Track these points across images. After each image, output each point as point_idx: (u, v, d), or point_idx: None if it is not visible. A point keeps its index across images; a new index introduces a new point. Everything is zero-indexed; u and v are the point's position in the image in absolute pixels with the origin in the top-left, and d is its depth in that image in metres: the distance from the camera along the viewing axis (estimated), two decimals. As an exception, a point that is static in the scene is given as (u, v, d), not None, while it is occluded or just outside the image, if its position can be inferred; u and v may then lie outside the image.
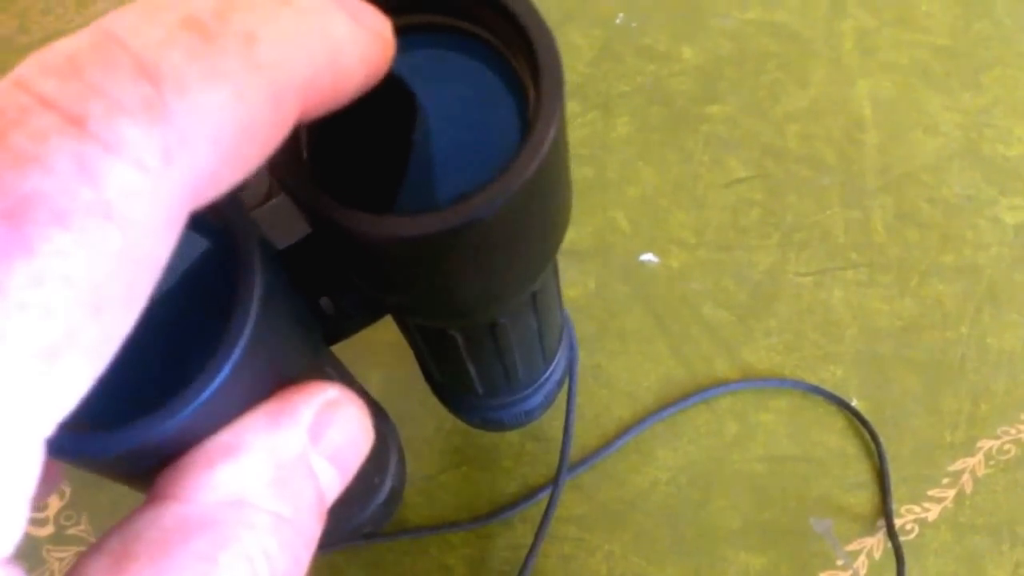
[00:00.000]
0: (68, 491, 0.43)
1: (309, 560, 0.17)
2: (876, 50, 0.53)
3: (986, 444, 0.44)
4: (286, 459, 0.17)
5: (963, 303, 0.47)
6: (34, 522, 0.43)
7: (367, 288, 0.20)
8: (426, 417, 0.44)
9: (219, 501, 0.15)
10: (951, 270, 0.47)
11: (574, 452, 0.43)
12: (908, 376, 0.45)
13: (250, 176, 0.13)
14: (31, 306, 0.11)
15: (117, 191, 0.11)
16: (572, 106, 0.51)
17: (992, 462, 0.44)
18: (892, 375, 0.45)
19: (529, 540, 0.39)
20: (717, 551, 0.42)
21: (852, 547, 0.42)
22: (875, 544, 0.42)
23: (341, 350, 0.25)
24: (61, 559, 0.42)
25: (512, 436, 0.44)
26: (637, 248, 0.48)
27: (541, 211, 0.18)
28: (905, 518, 0.43)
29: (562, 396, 0.36)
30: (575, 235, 0.48)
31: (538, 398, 0.33)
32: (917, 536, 0.43)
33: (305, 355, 0.20)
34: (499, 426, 0.35)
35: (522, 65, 0.17)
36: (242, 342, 0.15)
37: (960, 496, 0.43)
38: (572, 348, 0.34)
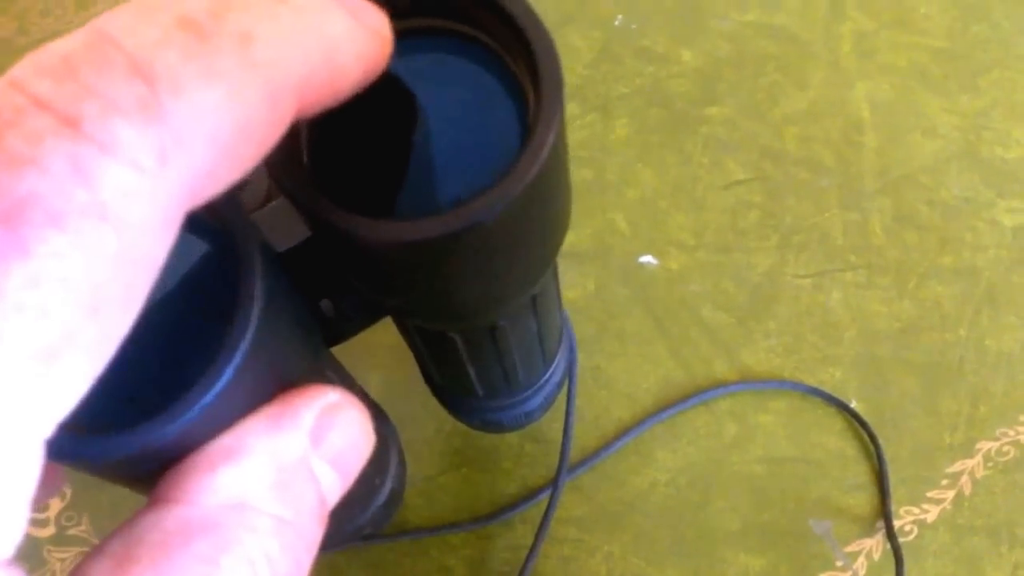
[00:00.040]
0: (69, 492, 0.43)
1: (311, 563, 0.17)
2: (874, 52, 0.53)
3: (985, 446, 0.44)
4: (287, 462, 0.17)
5: (962, 305, 0.47)
6: (35, 523, 0.43)
7: (367, 291, 0.20)
8: (426, 419, 0.44)
9: (220, 504, 0.15)
10: (949, 272, 0.47)
11: (573, 453, 0.43)
12: (907, 378, 0.45)
13: (247, 175, 0.13)
14: (28, 308, 0.11)
15: (112, 192, 0.11)
16: (571, 108, 0.51)
17: (991, 464, 0.44)
18: (891, 377, 0.45)
19: (529, 541, 0.39)
20: (716, 552, 0.42)
21: (851, 548, 0.42)
22: (874, 545, 0.42)
23: (341, 352, 0.25)
24: (62, 560, 0.42)
25: (512, 438, 0.44)
26: (636, 250, 0.48)
27: (541, 215, 0.18)
28: (904, 519, 0.43)
29: (561, 398, 0.36)
30: (574, 237, 0.48)
31: (538, 400, 0.33)
32: (916, 537, 0.43)
33: (306, 358, 0.20)
34: (499, 428, 0.35)
35: (521, 69, 0.17)
36: (243, 346, 0.15)
37: (959, 498, 0.43)
38: (572, 350, 0.34)
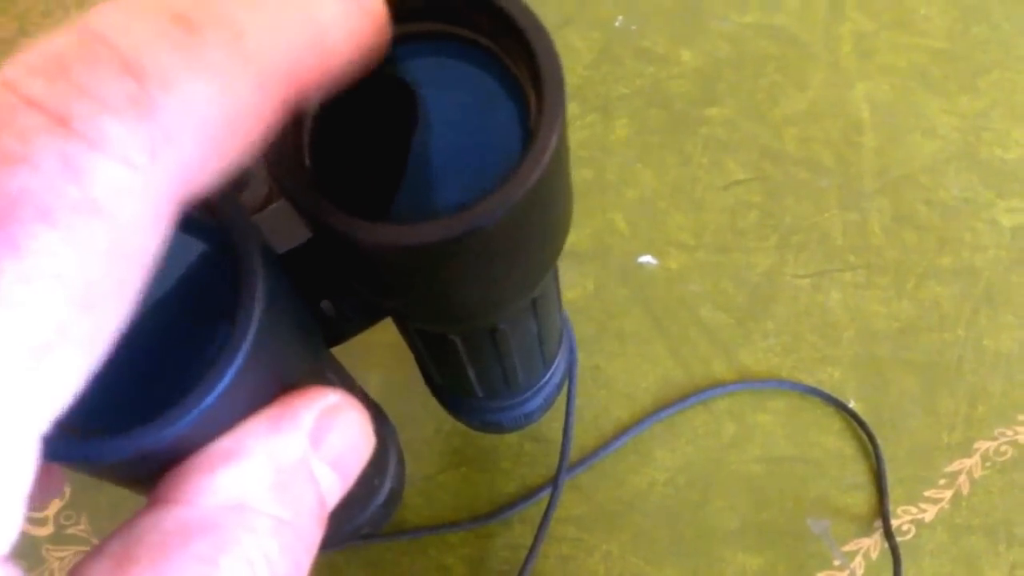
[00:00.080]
0: (68, 491, 0.43)
1: (310, 564, 0.17)
2: (874, 53, 0.53)
3: (983, 445, 0.44)
4: (287, 464, 0.17)
5: (960, 305, 0.47)
6: (34, 522, 0.43)
7: (367, 293, 0.20)
8: (425, 418, 0.44)
9: (220, 505, 0.15)
10: (948, 272, 0.47)
11: (572, 453, 0.43)
12: (905, 378, 0.45)
13: (244, 167, 0.13)
14: (20, 304, 0.11)
15: (104, 188, 0.11)
16: (571, 108, 0.51)
17: (989, 463, 0.44)
18: (889, 377, 0.45)
19: (528, 540, 0.39)
20: (715, 551, 0.42)
21: (849, 548, 0.43)
22: (872, 545, 0.43)
23: (340, 351, 0.25)
24: (61, 558, 0.42)
25: (511, 437, 0.44)
26: (636, 250, 0.48)
27: (542, 219, 0.18)
28: (902, 519, 0.43)
29: (561, 398, 0.36)
30: (574, 237, 0.48)
31: (538, 401, 0.33)
32: (914, 537, 0.43)
33: (306, 359, 0.20)
34: (498, 428, 0.35)
35: (522, 71, 0.17)
36: (245, 347, 0.15)
37: (957, 497, 0.43)
38: (572, 351, 0.34)
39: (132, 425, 0.15)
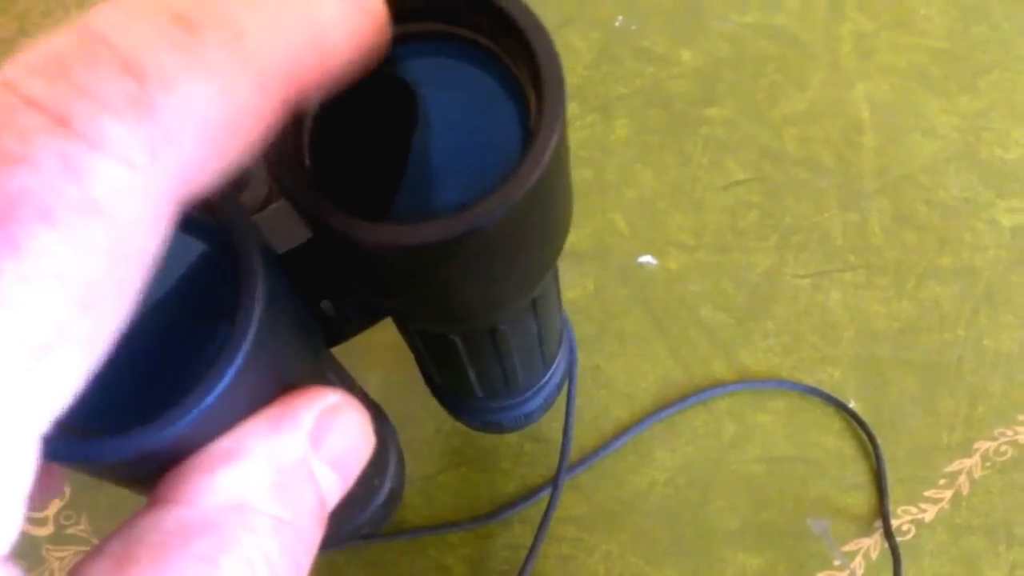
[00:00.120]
0: (68, 491, 0.43)
1: (310, 564, 0.17)
2: (874, 53, 0.53)
3: (983, 445, 0.44)
4: (287, 464, 0.17)
5: (960, 305, 0.47)
6: (34, 522, 0.43)
7: (367, 293, 0.20)
8: (425, 418, 0.44)
9: (220, 505, 0.15)
10: (948, 272, 0.47)
11: (572, 453, 0.43)
12: (905, 378, 0.45)
13: (244, 167, 0.13)
14: (20, 304, 0.11)
15: (104, 188, 0.11)
16: (571, 108, 0.51)
17: (989, 463, 0.44)
18: (889, 377, 0.45)
19: (528, 540, 0.39)
20: (715, 551, 0.42)
21: (849, 548, 0.43)
22: (872, 545, 0.43)
23: (340, 351, 0.25)
24: (61, 558, 0.42)
25: (511, 437, 0.44)
26: (635, 250, 0.48)
27: (542, 219, 0.18)
28: (902, 519, 0.43)
29: (561, 398, 0.36)
30: (574, 237, 0.48)
31: (537, 401, 0.33)
32: (914, 537, 0.43)
33: (306, 360, 0.20)
34: (498, 429, 0.35)
35: (522, 71, 0.17)
36: (245, 347, 0.15)
37: (957, 497, 0.43)
38: (572, 352, 0.34)
39: (132, 425, 0.15)
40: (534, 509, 0.43)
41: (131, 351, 0.15)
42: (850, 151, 0.50)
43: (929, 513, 0.43)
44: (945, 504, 0.43)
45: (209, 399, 0.15)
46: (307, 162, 0.17)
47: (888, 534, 0.41)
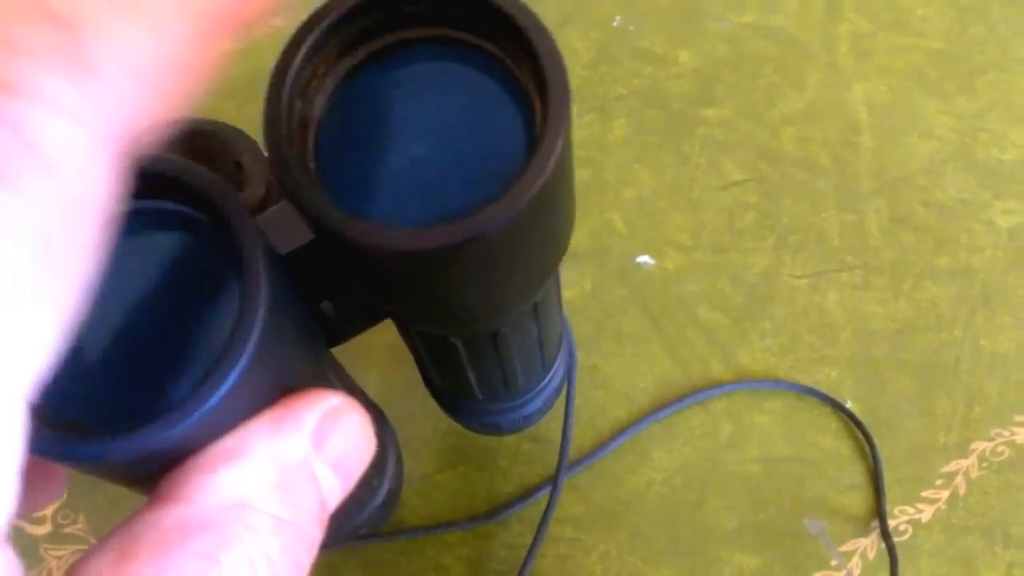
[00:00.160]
0: (66, 490, 0.43)
1: (310, 564, 0.17)
2: (871, 54, 0.53)
3: (979, 446, 0.44)
4: (289, 464, 0.17)
5: (957, 306, 0.47)
6: (32, 520, 0.43)
7: (368, 296, 0.20)
8: (424, 418, 0.44)
9: (222, 504, 0.16)
10: (945, 273, 0.48)
11: (570, 452, 0.43)
12: (902, 378, 0.45)
13: (185, 110, 0.13)
14: None
15: (48, 141, 0.11)
16: (569, 108, 0.51)
17: (985, 464, 0.44)
18: (886, 377, 0.46)
19: (526, 540, 0.39)
20: (712, 551, 0.42)
21: (846, 548, 0.43)
22: (869, 545, 0.43)
23: (338, 352, 0.25)
24: (59, 557, 0.42)
25: (509, 437, 0.44)
26: (633, 250, 0.48)
27: (545, 225, 0.18)
28: (899, 519, 0.43)
29: (560, 399, 0.36)
30: (571, 236, 0.48)
31: (537, 403, 0.33)
32: (911, 537, 0.43)
33: (308, 361, 0.20)
34: (497, 430, 0.35)
35: (526, 74, 0.17)
36: (248, 348, 0.15)
37: (953, 497, 0.43)
38: (571, 355, 0.34)
39: (135, 425, 0.15)
40: (532, 509, 0.43)
41: (136, 351, 0.15)
42: (847, 152, 0.50)
43: (926, 513, 0.43)
44: (942, 504, 0.43)
45: (213, 400, 0.15)
46: (312, 165, 0.17)
47: (885, 534, 0.41)
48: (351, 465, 0.18)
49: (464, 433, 0.42)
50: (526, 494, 0.43)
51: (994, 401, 0.45)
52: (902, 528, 0.43)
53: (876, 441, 0.44)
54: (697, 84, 0.52)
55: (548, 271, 0.21)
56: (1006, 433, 0.45)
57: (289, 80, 0.16)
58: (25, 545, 0.42)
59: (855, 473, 0.44)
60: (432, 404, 0.35)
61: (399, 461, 0.36)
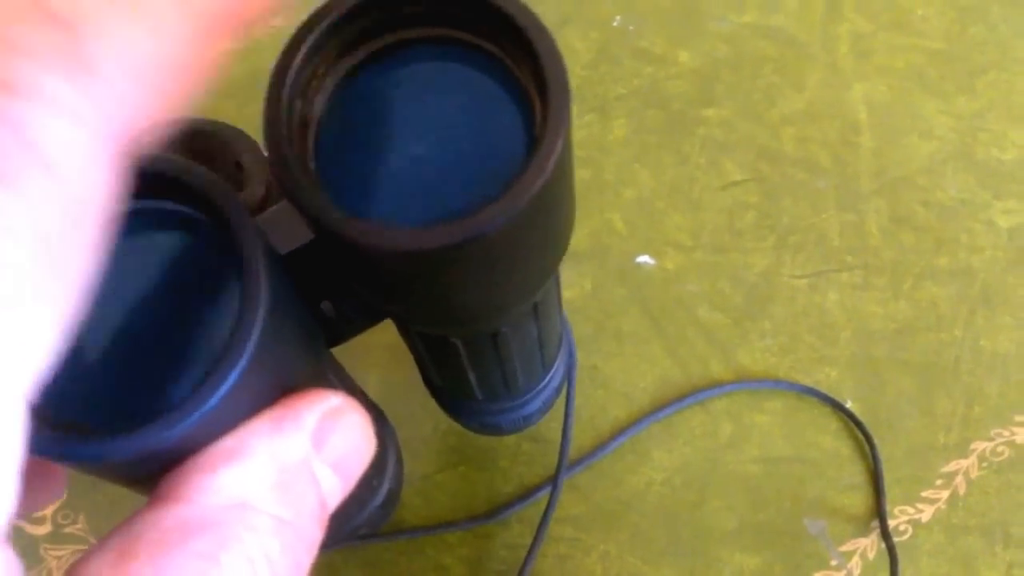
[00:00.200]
0: (66, 490, 0.43)
1: (310, 565, 0.17)
2: (871, 54, 0.53)
3: (979, 446, 0.44)
4: (289, 464, 0.17)
5: (957, 306, 0.47)
6: (32, 520, 0.43)
7: (368, 296, 0.20)
8: (424, 417, 0.44)
9: (222, 504, 0.16)
10: (945, 273, 0.48)
11: (570, 452, 0.43)
12: (902, 378, 0.45)
13: (186, 110, 0.13)
14: None
15: (49, 142, 0.11)
16: (569, 108, 0.51)
17: (985, 464, 0.44)
18: (886, 377, 0.46)
19: (526, 540, 0.39)
20: (712, 551, 0.42)
21: (846, 548, 0.43)
22: (869, 545, 0.43)
23: (338, 352, 0.25)
24: (59, 557, 0.42)
25: (509, 437, 0.44)
26: (633, 250, 0.48)
27: (545, 226, 0.18)
28: (899, 519, 0.43)
29: (560, 400, 0.36)
30: (571, 237, 0.48)
31: (536, 404, 0.33)
32: (911, 537, 0.43)
33: (309, 361, 0.20)
34: (497, 431, 0.35)
35: (526, 74, 0.17)
36: (249, 348, 0.15)
37: (953, 497, 0.43)
38: (571, 355, 0.34)
39: (135, 425, 0.15)
40: (532, 509, 0.43)
41: (136, 352, 0.15)
42: (847, 152, 0.50)
43: (926, 513, 0.43)
44: (942, 504, 0.43)
45: (213, 400, 0.15)
46: (312, 165, 0.17)
47: (885, 534, 0.41)
48: (351, 465, 0.18)
49: (464, 433, 0.42)
50: (526, 494, 0.43)
51: (994, 401, 0.45)
52: (902, 528, 0.43)
53: (876, 441, 0.44)
54: (697, 84, 0.52)
55: (548, 271, 0.21)
56: (1006, 433, 0.45)
57: (289, 80, 0.16)
58: (25, 545, 0.42)
59: (855, 473, 0.44)
60: (432, 404, 0.35)
61: (399, 461, 0.36)
